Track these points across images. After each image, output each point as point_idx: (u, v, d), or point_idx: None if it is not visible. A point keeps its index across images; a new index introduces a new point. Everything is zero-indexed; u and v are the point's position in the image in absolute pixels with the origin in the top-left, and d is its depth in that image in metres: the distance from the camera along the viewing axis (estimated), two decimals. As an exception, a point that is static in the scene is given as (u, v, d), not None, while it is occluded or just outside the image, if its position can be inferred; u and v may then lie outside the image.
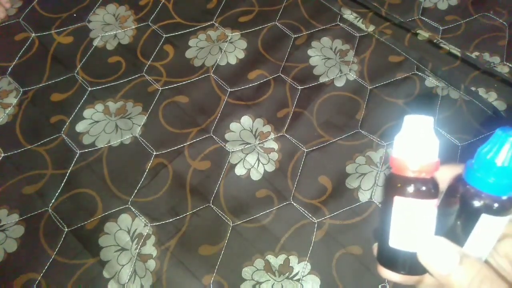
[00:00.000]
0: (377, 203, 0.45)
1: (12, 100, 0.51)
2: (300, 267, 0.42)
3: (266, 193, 0.46)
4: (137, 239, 0.43)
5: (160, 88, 0.52)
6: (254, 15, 0.58)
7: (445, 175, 0.24)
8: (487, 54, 0.54)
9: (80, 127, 0.50)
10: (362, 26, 0.56)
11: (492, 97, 0.50)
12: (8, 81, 0.52)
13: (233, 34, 0.56)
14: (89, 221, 0.44)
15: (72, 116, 0.50)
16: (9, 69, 0.53)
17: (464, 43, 0.55)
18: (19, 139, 0.49)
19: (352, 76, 0.53)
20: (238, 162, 0.47)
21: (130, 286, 0.41)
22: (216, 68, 0.54)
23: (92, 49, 0.55)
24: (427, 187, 0.22)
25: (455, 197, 0.23)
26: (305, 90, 0.52)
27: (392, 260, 0.24)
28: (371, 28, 0.56)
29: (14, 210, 0.45)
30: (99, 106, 0.51)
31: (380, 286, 0.41)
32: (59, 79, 0.53)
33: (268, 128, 0.50)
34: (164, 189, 0.46)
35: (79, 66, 0.54)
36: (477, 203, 0.22)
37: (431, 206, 0.22)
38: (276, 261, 0.43)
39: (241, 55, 0.55)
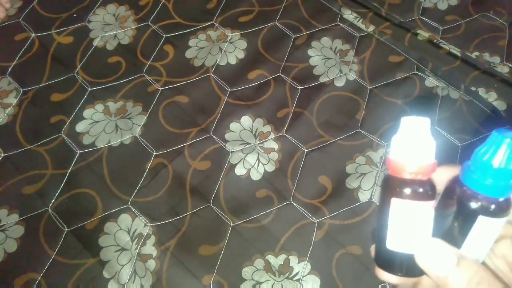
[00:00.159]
0: (377, 203, 0.45)
1: (12, 100, 0.51)
2: (300, 267, 0.42)
3: (266, 193, 0.46)
4: (137, 239, 0.43)
5: (160, 88, 0.52)
6: (254, 15, 0.58)
7: (442, 177, 0.24)
8: (487, 54, 0.54)
9: (80, 127, 0.50)
10: (362, 26, 0.56)
11: (492, 97, 0.50)
12: (8, 81, 0.52)
13: (233, 34, 0.56)
14: (89, 221, 0.44)
15: (72, 116, 0.50)
16: (9, 69, 0.53)
17: (464, 43, 0.55)
18: (19, 139, 0.49)
19: (352, 76, 0.53)
20: (238, 162, 0.47)
21: (130, 286, 0.41)
22: (216, 68, 0.54)
23: (92, 49, 0.55)
24: (424, 189, 0.22)
25: (452, 198, 0.23)
26: (305, 90, 0.52)
27: (389, 262, 0.24)
28: (371, 28, 0.56)
29: (14, 210, 0.45)
30: (99, 106, 0.51)
31: (380, 286, 0.41)
32: (59, 79, 0.53)
33: (268, 128, 0.50)
34: (164, 189, 0.46)
35: (79, 66, 0.54)
36: (474, 205, 0.22)
37: (428, 207, 0.22)
38: (276, 261, 0.43)
39: (241, 55, 0.55)
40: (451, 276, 0.21)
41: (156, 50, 0.55)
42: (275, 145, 0.49)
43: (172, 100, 0.51)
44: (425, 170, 0.22)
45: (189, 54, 0.55)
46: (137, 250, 0.43)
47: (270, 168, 0.47)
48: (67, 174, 0.47)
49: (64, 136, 0.49)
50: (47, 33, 0.56)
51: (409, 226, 0.22)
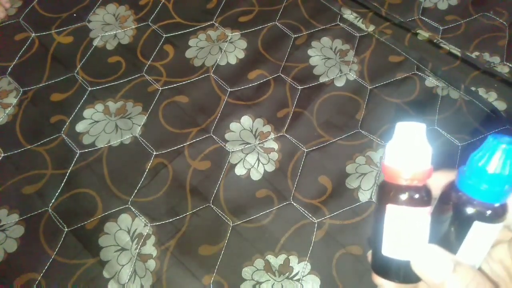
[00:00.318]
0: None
1: (12, 100, 0.51)
2: (300, 267, 0.42)
3: (266, 193, 0.46)
4: (137, 239, 0.43)
5: (160, 88, 0.52)
6: (254, 15, 0.58)
7: (439, 182, 0.24)
8: (487, 54, 0.54)
9: (80, 127, 0.50)
10: (362, 26, 0.56)
11: (492, 97, 0.50)
12: (8, 81, 0.52)
13: (233, 34, 0.56)
14: (89, 221, 0.44)
15: (72, 116, 0.50)
16: (9, 69, 0.53)
17: (464, 43, 0.55)
18: (19, 139, 0.49)
19: (352, 76, 0.53)
20: (238, 162, 0.47)
21: (130, 286, 0.41)
22: (216, 68, 0.54)
23: (92, 49, 0.55)
24: (420, 195, 0.22)
25: (448, 204, 0.23)
26: (305, 90, 0.52)
27: (385, 268, 0.24)
28: (371, 28, 0.56)
29: (14, 210, 0.45)
30: (99, 106, 0.51)
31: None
32: (59, 79, 0.53)
33: (268, 128, 0.50)
34: (164, 189, 0.46)
35: (79, 66, 0.54)
36: (469, 210, 0.21)
37: (424, 213, 0.22)
38: (276, 261, 0.43)
39: (241, 55, 0.55)
40: (448, 283, 0.21)
41: (156, 50, 0.55)
42: (275, 145, 0.49)
43: (172, 100, 0.51)
44: (421, 176, 0.22)
45: (189, 54, 0.55)
46: (137, 250, 0.43)
47: (270, 168, 0.47)
48: (67, 174, 0.47)
49: (64, 136, 0.49)
50: (47, 33, 0.56)
51: (405, 233, 0.22)
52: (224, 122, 0.50)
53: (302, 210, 0.45)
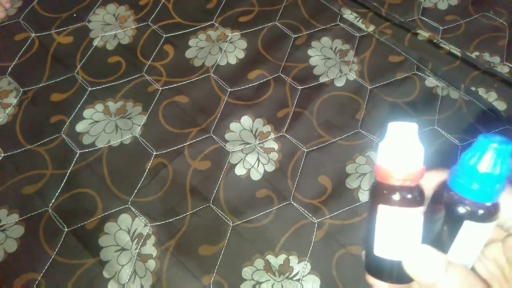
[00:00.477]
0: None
1: (12, 100, 0.51)
2: (300, 267, 0.42)
3: (266, 193, 0.46)
4: (137, 239, 0.43)
5: (160, 88, 0.52)
6: (254, 15, 0.58)
7: (431, 182, 0.24)
8: (487, 54, 0.54)
9: (80, 127, 0.50)
10: (362, 26, 0.56)
11: (492, 97, 0.50)
12: (8, 81, 0.52)
13: (233, 34, 0.56)
14: (89, 221, 0.44)
15: (72, 116, 0.50)
16: (9, 69, 0.53)
17: (464, 43, 0.55)
18: (19, 139, 0.49)
19: (352, 76, 0.53)
20: (238, 162, 0.47)
21: (130, 286, 0.41)
22: (216, 68, 0.54)
23: (92, 49, 0.55)
24: (412, 195, 0.22)
25: (440, 203, 0.23)
26: (305, 90, 0.52)
27: (378, 268, 0.24)
28: (371, 28, 0.56)
29: (14, 210, 0.45)
30: (99, 106, 0.51)
31: None
32: (59, 79, 0.53)
33: (268, 128, 0.50)
34: (164, 189, 0.46)
35: (79, 66, 0.54)
36: (460, 210, 0.21)
37: (417, 214, 0.22)
38: (276, 261, 0.43)
39: (241, 55, 0.55)
40: (440, 283, 0.21)
41: (156, 50, 0.55)
42: (275, 145, 0.49)
43: (172, 100, 0.51)
44: (413, 176, 0.22)
45: (189, 54, 0.55)
46: (137, 250, 0.43)
47: (270, 168, 0.47)
48: (67, 174, 0.47)
49: (64, 136, 0.49)
50: (47, 33, 0.56)
51: (397, 233, 0.22)
52: (224, 122, 0.50)
53: (302, 210, 0.45)
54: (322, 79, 0.53)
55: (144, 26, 0.57)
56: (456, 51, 0.53)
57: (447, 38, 0.56)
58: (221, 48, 0.55)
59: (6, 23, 0.57)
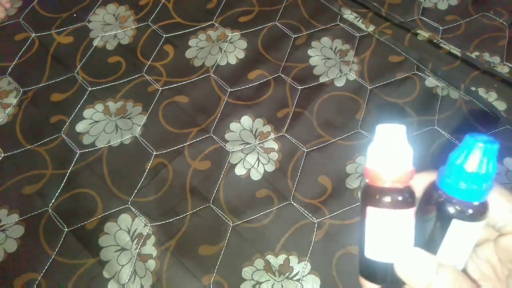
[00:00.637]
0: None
1: (12, 100, 0.51)
2: (300, 267, 0.42)
3: (266, 193, 0.46)
4: (137, 239, 0.43)
5: (160, 88, 0.52)
6: (254, 15, 0.58)
7: (422, 183, 0.24)
8: (487, 54, 0.54)
9: (80, 127, 0.50)
10: (362, 26, 0.56)
11: (492, 97, 0.50)
12: (8, 81, 0.52)
13: (233, 34, 0.56)
14: (89, 221, 0.44)
15: (72, 116, 0.50)
16: (9, 69, 0.53)
17: (464, 43, 0.55)
18: (19, 139, 0.49)
19: (352, 76, 0.53)
20: (238, 162, 0.47)
21: (130, 286, 0.41)
22: (216, 68, 0.54)
23: (92, 49, 0.55)
24: (403, 197, 0.22)
25: (430, 204, 0.23)
26: (305, 90, 0.52)
27: (370, 271, 0.23)
28: (371, 28, 0.56)
29: (14, 210, 0.45)
30: (99, 106, 0.51)
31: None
32: (59, 79, 0.53)
33: (268, 128, 0.50)
34: (164, 189, 0.46)
35: (79, 66, 0.54)
36: (448, 209, 0.21)
37: (408, 215, 0.22)
38: (276, 261, 0.43)
39: (241, 55, 0.55)
40: (431, 285, 0.21)
41: (156, 50, 0.55)
42: (275, 145, 0.49)
43: (172, 100, 0.51)
44: (403, 178, 0.22)
45: (189, 54, 0.55)
46: (137, 250, 0.43)
47: (270, 168, 0.47)
48: (67, 174, 0.47)
49: (64, 136, 0.49)
50: (47, 33, 0.56)
51: (388, 235, 0.22)
52: (224, 122, 0.50)
53: (302, 210, 0.45)
54: (322, 79, 0.53)
55: (144, 26, 0.57)
56: (456, 51, 0.53)
57: (447, 38, 0.56)
58: (221, 48, 0.55)
59: (6, 23, 0.57)
